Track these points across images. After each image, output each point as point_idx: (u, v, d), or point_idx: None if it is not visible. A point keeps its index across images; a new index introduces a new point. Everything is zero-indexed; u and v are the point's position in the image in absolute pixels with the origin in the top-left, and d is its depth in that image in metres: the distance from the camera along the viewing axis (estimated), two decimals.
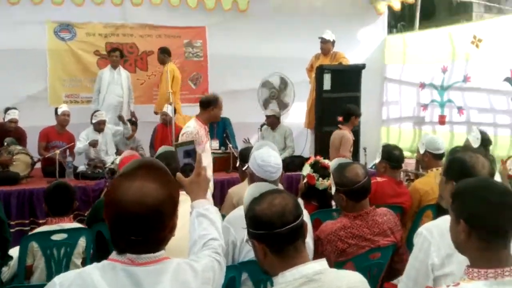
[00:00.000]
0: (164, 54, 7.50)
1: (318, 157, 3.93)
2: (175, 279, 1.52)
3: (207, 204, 1.96)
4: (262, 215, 1.73)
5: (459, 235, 1.63)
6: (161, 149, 3.12)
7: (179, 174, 1.95)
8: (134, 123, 7.23)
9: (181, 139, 4.81)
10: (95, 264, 1.52)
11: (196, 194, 1.94)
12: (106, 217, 1.51)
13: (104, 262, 1.51)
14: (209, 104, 5.07)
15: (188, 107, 8.08)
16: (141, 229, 1.46)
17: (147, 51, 8.19)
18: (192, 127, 4.94)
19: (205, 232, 1.86)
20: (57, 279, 1.49)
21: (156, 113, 7.42)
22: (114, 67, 7.26)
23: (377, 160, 4.13)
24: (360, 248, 2.77)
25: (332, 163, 3.13)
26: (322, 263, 1.73)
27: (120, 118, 7.03)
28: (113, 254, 1.51)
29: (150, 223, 1.47)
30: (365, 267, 2.75)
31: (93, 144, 6.33)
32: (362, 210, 2.83)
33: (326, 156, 3.99)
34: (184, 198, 1.80)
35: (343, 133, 6.00)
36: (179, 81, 7.56)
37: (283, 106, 8.09)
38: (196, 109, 7.86)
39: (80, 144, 6.37)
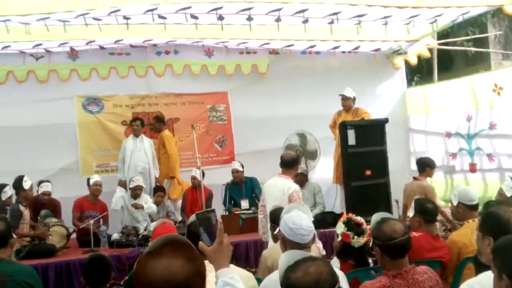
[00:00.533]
0: (160, 123, 7.77)
1: (350, 215, 3.89)
2: None
3: (231, 273, 1.95)
4: (297, 283, 1.72)
5: None
6: (193, 217, 3.14)
7: (201, 244, 1.94)
8: (162, 189, 7.31)
9: (294, 197, 4.90)
10: None
11: (220, 263, 1.92)
12: None
13: None
14: (294, 163, 5.30)
15: (214, 169, 8.20)
16: None
17: (173, 118, 8.44)
18: (294, 184, 5.13)
19: None
20: None
21: (172, 177, 7.54)
22: (136, 135, 7.47)
23: (411, 214, 4.08)
24: None
25: (374, 216, 3.10)
26: None
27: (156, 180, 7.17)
28: None
29: None
30: None
31: (137, 206, 6.55)
32: (401, 268, 2.76)
33: (358, 212, 3.94)
34: (209, 268, 1.81)
35: (424, 184, 6.20)
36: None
37: (312, 156, 8.11)
38: (222, 170, 8.10)
39: (116, 201, 6.60)
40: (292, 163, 5.31)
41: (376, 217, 3.04)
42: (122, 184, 7.18)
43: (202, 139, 8.24)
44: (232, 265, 2.92)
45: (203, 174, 6.98)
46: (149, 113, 8.34)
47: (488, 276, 2.15)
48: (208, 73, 8.45)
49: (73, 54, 7.91)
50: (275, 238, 3.86)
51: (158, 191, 7.17)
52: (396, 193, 6.81)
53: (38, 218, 6.12)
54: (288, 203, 4.65)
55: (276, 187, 5.16)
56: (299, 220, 2.86)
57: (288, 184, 5.11)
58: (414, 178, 6.40)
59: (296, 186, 5.11)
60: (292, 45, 8.28)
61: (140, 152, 7.41)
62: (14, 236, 3.43)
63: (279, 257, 3.62)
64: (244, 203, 7.14)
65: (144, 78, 8.27)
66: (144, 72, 8.25)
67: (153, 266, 1.49)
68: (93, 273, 3.43)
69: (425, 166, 6.46)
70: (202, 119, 8.54)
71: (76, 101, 7.98)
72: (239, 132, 8.60)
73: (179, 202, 7.41)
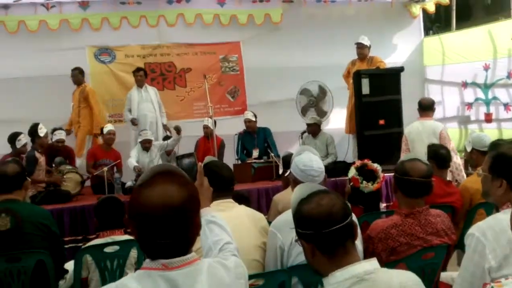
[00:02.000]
0: (81, 74, 7.34)
1: (366, 161, 3.89)
2: (211, 278, 1.52)
3: (213, 211, 1.98)
4: (310, 215, 1.72)
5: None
6: (208, 158, 3.15)
7: None
8: (170, 138, 7.31)
9: (444, 134, 5.56)
10: (130, 275, 1.52)
11: (202, 203, 1.93)
12: (133, 228, 1.51)
13: (139, 271, 1.50)
14: (433, 106, 5.96)
15: (226, 120, 8.21)
16: (170, 231, 1.46)
17: (185, 68, 8.38)
18: (440, 123, 5.87)
19: (218, 238, 1.88)
20: None
21: (96, 134, 7.22)
22: (140, 86, 7.38)
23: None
24: (412, 248, 2.69)
25: (404, 156, 3.06)
26: (373, 262, 1.70)
27: (177, 128, 7.12)
28: (146, 263, 1.51)
29: (178, 223, 1.47)
30: (418, 267, 2.65)
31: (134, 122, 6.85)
32: (414, 208, 2.76)
33: (374, 160, 3.95)
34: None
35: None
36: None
37: (322, 114, 8.06)
38: (234, 121, 8.11)
39: (133, 159, 6.58)
40: (432, 106, 5.92)
41: (408, 155, 3.00)
42: (135, 122, 7.19)
43: (214, 89, 8.19)
44: (244, 206, 2.97)
45: (215, 124, 6.99)
46: (161, 64, 8.30)
47: (498, 219, 2.13)
48: (220, 22, 8.31)
49: (84, 3, 7.85)
50: (286, 183, 3.87)
51: (167, 139, 7.18)
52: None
53: (53, 165, 6.21)
54: (439, 141, 5.28)
55: (424, 130, 5.71)
56: (310, 161, 2.85)
57: (435, 124, 5.75)
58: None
59: (442, 125, 5.81)
60: None
61: (147, 102, 7.37)
62: (28, 179, 3.47)
63: (289, 202, 3.67)
64: (255, 152, 7.16)
65: (155, 28, 8.18)
66: (156, 22, 8.14)
67: (148, 194, 1.48)
68: (106, 214, 3.49)
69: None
70: (214, 69, 8.48)
71: (88, 51, 7.95)
72: (251, 83, 8.54)
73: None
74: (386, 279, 1.64)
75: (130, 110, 7.37)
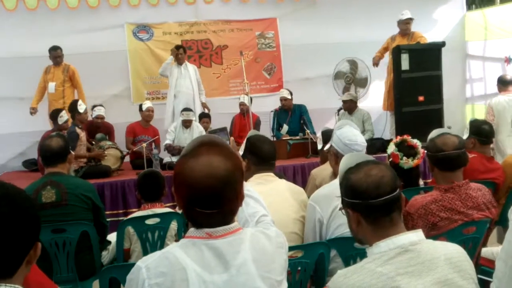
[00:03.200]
0: (58, 49, 7.09)
1: (406, 136, 3.81)
2: (253, 247, 1.53)
3: (247, 185, 1.97)
4: (358, 184, 1.70)
5: None
6: (252, 132, 3.17)
7: None
8: (207, 115, 7.36)
9: None
10: (175, 244, 1.55)
11: None
12: (179, 198, 1.52)
13: (183, 240, 1.53)
14: None
15: (262, 97, 8.20)
16: (215, 201, 1.48)
17: (221, 45, 8.39)
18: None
19: (254, 210, 1.90)
20: (142, 263, 1.48)
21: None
22: (180, 63, 7.39)
23: (465, 136, 3.97)
24: (453, 222, 2.65)
25: (432, 132, 3.03)
26: (419, 234, 1.68)
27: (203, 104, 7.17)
28: (190, 231, 1.53)
29: (223, 193, 1.48)
30: (459, 242, 2.62)
31: None
32: (453, 182, 2.71)
33: (414, 136, 3.86)
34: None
35: None
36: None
37: (362, 83, 7.96)
38: (270, 98, 8.09)
39: (169, 136, 6.66)
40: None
41: (435, 131, 2.96)
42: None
43: (250, 66, 8.17)
44: (284, 180, 2.98)
45: (251, 101, 7.00)
46: (197, 41, 8.33)
47: None
48: None
49: None
50: (324, 158, 3.85)
51: (204, 117, 7.22)
52: (450, 119, 6.65)
53: (93, 142, 6.37)
54: None
55: (509, 103, 6.15)
56: (354, 136, 2.83)
57: None
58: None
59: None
60: None
61: (186, 78, 7.39)
62: (72, 152, 3.57)
63: (327, 176, 3.66)
64: (285, 127, 7.19)
65: (193, 5, 8.19)
66: None
67: (193, 165, 1.50)
68: (148, 187, 3.57)
69: None
70: (250, 46, 8.46)
71: (127, 28, 8.03)
72: (288, 60, 8.48)
73: None
74: (431, 250, 1.63)
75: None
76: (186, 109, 6.80)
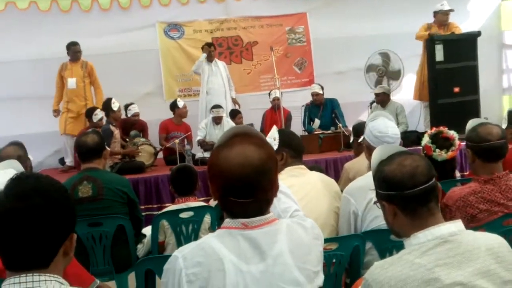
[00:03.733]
0: (77, 44, 7.01)
1: (441, 128, 3.72)
2: (289, 237, 1.52)
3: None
4: (392, 176, 1.66)
5: None
6: (275, 128, 3.19)
7: None
8: (239, 111, 7.39)
9: None
10: (210, 234, 1.55)
11: None
12: (214, 188, 1.52)
13: (219, 230, 1.53)
14: None
15: (293, 92, 8.17)
16: (250, 190, 1.47)
17: (252, 41, 8.40)
18: None
19: (287, 205, 1.90)
20: (179, 253, 1.49)
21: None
22: (211, 60, 7.41)
23: (504, 126, 3.86)
24: (493, 214, 2.59)
25: (470, 121, 2.96)
26: (458, 224, 1.63)
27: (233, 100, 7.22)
28: (226, 222, 1.53)
29: (258, 182, 1.48)
30: (499, 234, 2.52)
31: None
32: (493, 173, 2.64)
33: (450, 128, 3.76)
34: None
35: None
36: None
37: (395, 76, 7.85)
38: (301, 93, 8.06)
39: (201, 133, 6.74)
40: None
41: (473, 121, 2.88)
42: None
43: (280, 62, 8.15)
44: (316, 172, 2.96)
45: (281, 96, 7.00)
46: (228, 38, 8.36)
47: None
48: None
49: None
50: (358, 151, 3.81)
51: (237, 113, 7.27)
52: (486, 111, 6.49)
53: (127, 139, 6.48)
54: None
55: None
56: (385, 128, 2.78)
57: None
58: None
59: None
60: None
61: (217, 75, 7.44)
62: (108, 148, 3.63)
63: (361, 169, 3.62)
64: (317, 121, 7.17)
65: (223, 3, 8.23)
66: None
67: (227, 154, 1.50)
68: (181, 181, 3.62)
69: None
70: (280, 41, 8.44)
71: (158, 27, 8.13)
72: (318, 54, 8.42)
73: None
74: (471, 241, 1.58)
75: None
76: (216, 106, 6.85)
